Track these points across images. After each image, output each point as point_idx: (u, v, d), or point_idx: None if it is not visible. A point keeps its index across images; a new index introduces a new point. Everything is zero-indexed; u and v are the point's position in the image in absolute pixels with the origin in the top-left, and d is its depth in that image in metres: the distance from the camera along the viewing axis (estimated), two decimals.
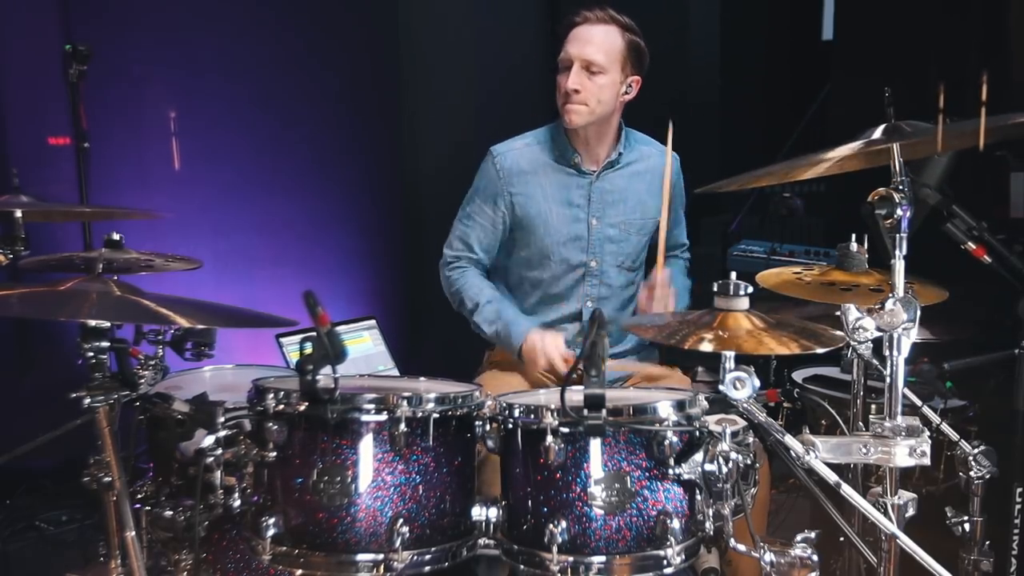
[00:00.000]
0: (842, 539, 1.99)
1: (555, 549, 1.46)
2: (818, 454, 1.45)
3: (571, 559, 1.48)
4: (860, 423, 1.97)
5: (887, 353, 1.49)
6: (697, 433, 1.51)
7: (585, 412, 1.42)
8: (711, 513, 1.51)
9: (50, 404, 1.82)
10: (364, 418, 1.49)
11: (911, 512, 1.52)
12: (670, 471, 1.48)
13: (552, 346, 2.20)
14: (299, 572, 1.49)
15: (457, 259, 2.41)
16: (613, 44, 2.21)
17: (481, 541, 1.59)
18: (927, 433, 1.47)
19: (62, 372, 1.98)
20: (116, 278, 1.62)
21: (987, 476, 1.87)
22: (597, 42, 2.20)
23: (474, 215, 2.38)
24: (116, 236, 1.97)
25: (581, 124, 2.25)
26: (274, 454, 1.50)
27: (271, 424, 1.48)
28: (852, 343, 1.55)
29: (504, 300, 2.37)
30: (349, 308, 4.07)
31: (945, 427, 1.92)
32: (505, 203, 2.34)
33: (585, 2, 2.30)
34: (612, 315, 2.36)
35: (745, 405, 1.46)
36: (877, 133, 1.57)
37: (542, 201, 2.32)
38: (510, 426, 1.56)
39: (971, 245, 1.99)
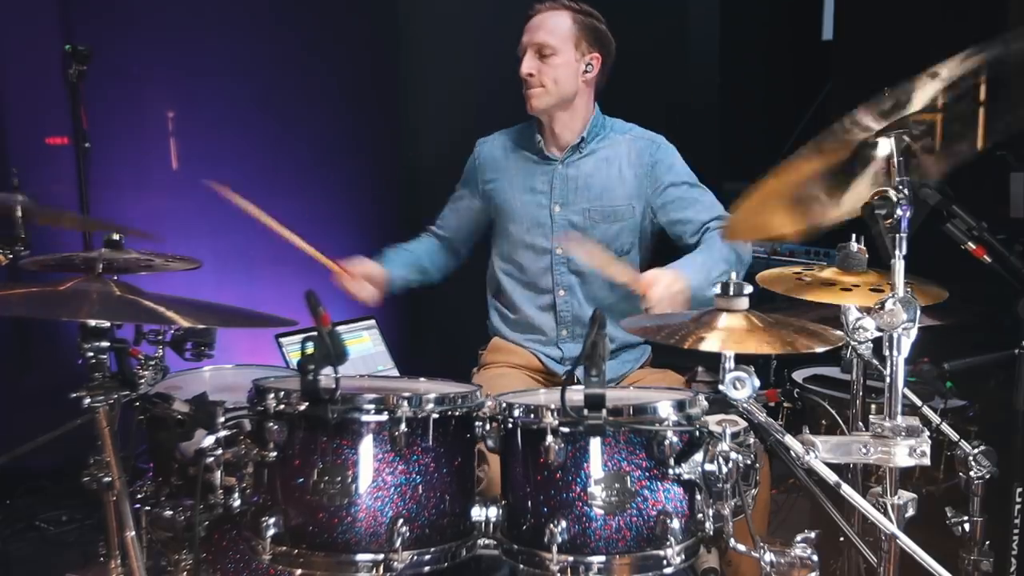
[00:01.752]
0: (842, 539, 2.00)
1: (555, 549, 1.45)
2: (818, 454, 1.45)
3: (571, 559, 1.47)
4: (860, 423, 1.97)
5: (887, 353, 1.48)
6: (697, 433, 1.51)
7: (585, 412, 1.43)
8: (711, 513, 1.50)
9: (50, 404, 1.83)
10: (364, 418, 1.49)
11: (911, 512, 1.52)
12: (670, 471, 1.48)
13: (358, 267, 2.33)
14: (299, 572, 1.49)
15: (430, 231, 2.60)
16: (561, 25, 2.27)
17: (481, 541, 1.59)
18: (927, 433, 1.47)
19: (62, 372, 1.98)
20: (116, 278, 1.62)
21: (987, 476, 1.87)
22: (547, 27, 2.26)
23: (453, 200, 2.55)
24: (116, 236, 1.97)
25: (543, 108, 2.29)
26: (274, 454, 1.50)
27: (271, 424, 1.48)
28: (852, 343, 1.55)
29: (409, 252, 2.53)
30: (349, 308, 4.07)
31: (945, 427, 1.92)
32: (480, 192, 2.46)
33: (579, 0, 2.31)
34: (592, 301, 2.36)
35: (745, 405, 1.46)
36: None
37: (508, 188, 2.40)
38: (510, 426, 1.56)
39: (971, 245, 1.99)
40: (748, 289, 1.57)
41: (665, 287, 2.00)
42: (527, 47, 2.27)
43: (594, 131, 2.35)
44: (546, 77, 2.25)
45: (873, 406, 2.02)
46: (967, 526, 1.90)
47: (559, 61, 2.25)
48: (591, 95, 2.35)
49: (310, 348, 1.41)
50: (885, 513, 1.48)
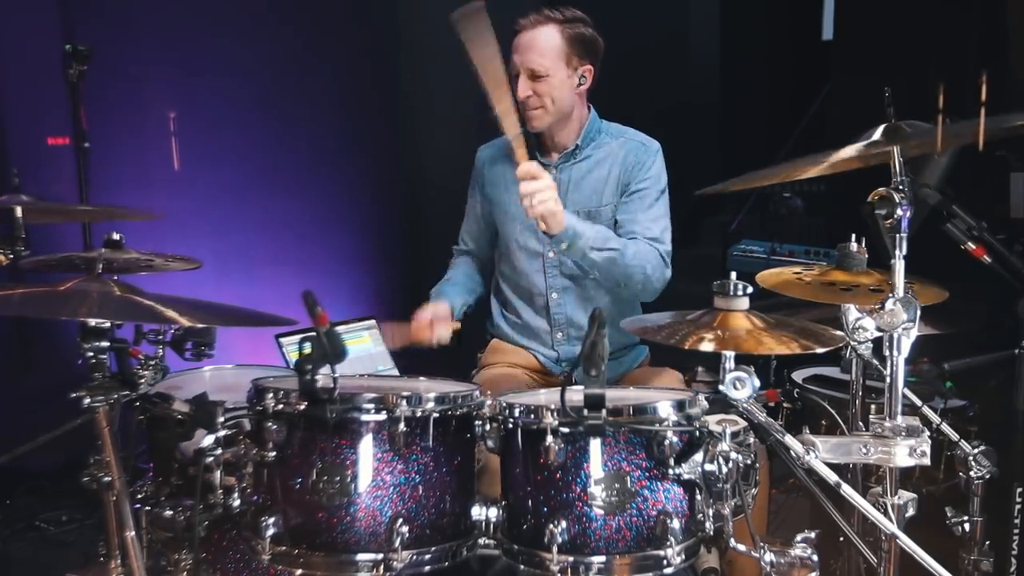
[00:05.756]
0: (842, 539, 1.99)
1: (555, 549, 1.45)
2: (818, 454, 1.45)
3: (571, 559, 1.47)
4: (860, 423, 1.97)
5: (887, 353, 1.49)
6: (697, 433, 1.51)
7: (585, 412, 1.43)
8: (711, 513, 1.50)
9: (50, 404, 1.82)
10: (364, 418, 1.49)
11: (911, 512, 1.52)
12: (670, 471, 1.48)
13: (423, 313, 2.29)
14: (299, 572, 1.49)
15: (456, 251, 2.61)
16: (552, 44, 2.23)
17: (481, 541, 1.59)
18: (927, 433, 1.47)
19: (62, 372, 1.98)
20: (116, 278, 1.62)
21: (987, 476, 1.87)
22: (537, 48, 2.23)
23: (467, 210, 2.56)
24: (116, 236, 1.96)
25: (543, 127, 2.30)
26: (273, 454, 1.49)
27: (270, 424, 1.48)
28: (852, 343, 1.55)
29: (452, 281, 2.49)
30: (349, 308, 4.07)
31: (945, 427, 1.92)
32: (480, 195, 2.50)
33: (579, 2, 2.30)
34: (585, 303, 2.37)
35: (745, 405, 1.46)
36: (877, 134, 1.57)
37: (503, 190, 2.42)
38: (510, 426, 1.56)
39: (971, 245, 1.99)
40: (748, 289, 1.57)
41: (539, 186, 2.03)
42: (519, 69, 2.25)
43: (589, 136, 2.35)
44: (544, 98, 2.25)
45: (873, 406, 2.02)
46: (967, 526, 1.90)
47: (554, 81, 2.24)
48: (585, 101, 2.36)
49: (308, 348, 1.41)
50: (885, 513, 1.49)
